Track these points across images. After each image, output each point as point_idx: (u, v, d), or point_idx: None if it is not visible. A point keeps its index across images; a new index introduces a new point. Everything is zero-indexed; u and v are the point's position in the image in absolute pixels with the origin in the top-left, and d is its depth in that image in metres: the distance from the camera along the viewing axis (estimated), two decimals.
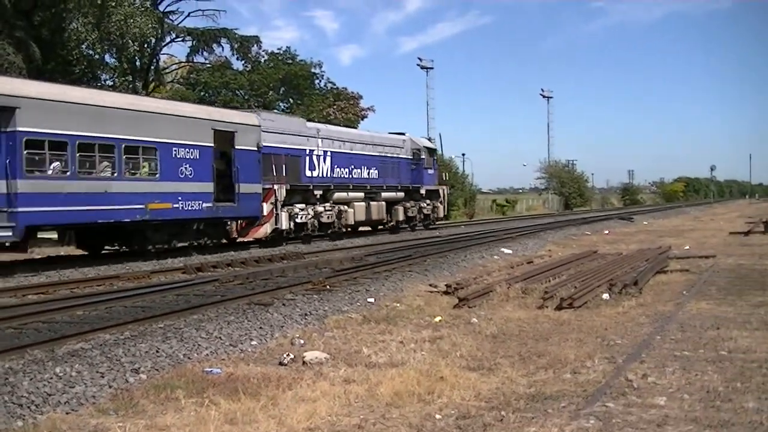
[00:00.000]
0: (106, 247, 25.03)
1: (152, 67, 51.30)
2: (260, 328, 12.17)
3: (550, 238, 33.15)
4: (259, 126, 28.54)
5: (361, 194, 35.96)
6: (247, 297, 14.56)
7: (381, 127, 54.51)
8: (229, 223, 28.16)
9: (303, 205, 31.25)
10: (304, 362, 9.95)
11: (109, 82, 45.80)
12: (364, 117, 64.67)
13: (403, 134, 41.38)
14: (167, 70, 56.80)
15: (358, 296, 15.43)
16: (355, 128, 47.26)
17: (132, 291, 15.70)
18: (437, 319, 13.35)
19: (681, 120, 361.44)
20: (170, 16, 50.75)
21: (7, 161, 19.26)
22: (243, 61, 58.47)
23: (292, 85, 61.44)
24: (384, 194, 38.07)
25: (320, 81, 64.52)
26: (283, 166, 29.80)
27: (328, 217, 32.71)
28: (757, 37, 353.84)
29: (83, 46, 41.50)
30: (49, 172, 20.54)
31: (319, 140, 33.03)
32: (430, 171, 43.21)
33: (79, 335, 10.82)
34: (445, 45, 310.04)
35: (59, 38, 39.26)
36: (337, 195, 33.75)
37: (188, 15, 51.62)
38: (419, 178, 41.50)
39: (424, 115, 75.40)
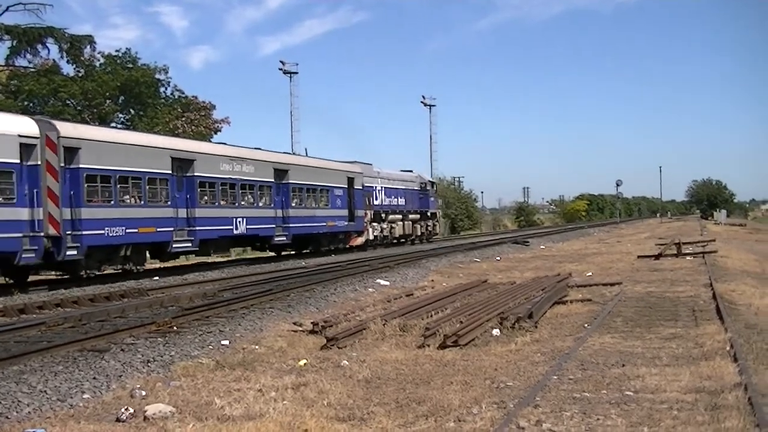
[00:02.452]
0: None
1: None
2: (94, 378, 11.87)
3: (434, 266, 33.57)
4: (362, 173, 50.37)
5: (400, 216, 57.39)
6: (78, 342, 14.16)
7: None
8: (342, 235, 48.63)
9: (375, 224, 52.65)
10: (145, 417, 9.74)
11: None
12: (217, 130, 64.05)
13: (411, 171, 62.92)
14: None
15: (210, 338, 15.27)
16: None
17: None
18: (302, 362, 13.33)
19: (582, 130, 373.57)
20: None
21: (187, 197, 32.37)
22: (74, 65, 57.08)
23: (133, 93, 60.21)
24: (410, 216, 59.51)
25: (166, 89, 63.57)
26: (367, 198, 51.28)
27: (388, 231, 55.03)
28: (669, 36, 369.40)
29: None
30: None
31: (378, 179, 54.35)
32: (432, 199, 65.90)
33: None
34: (314, 45, 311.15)
35: None
36: (391, 217, 55.44)
37: (7, 9, 50.07)
38: (426, 204, 63.55)
39: (288, 127, 75.73)
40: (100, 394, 11.27)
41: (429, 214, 64.27)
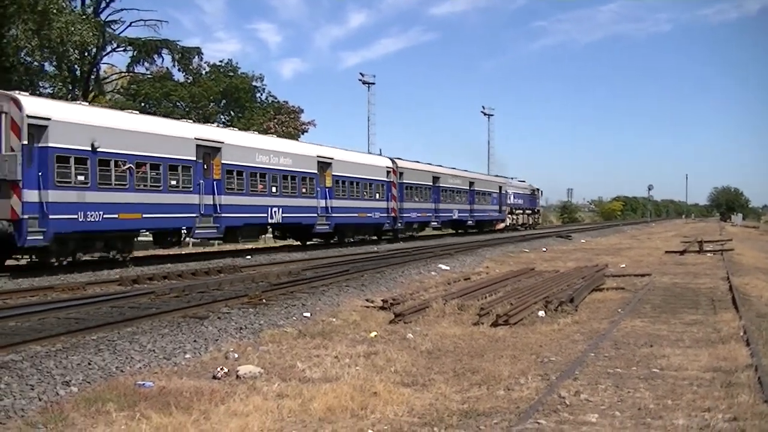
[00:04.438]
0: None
1: (92, 77, 50.54)
2: (194, 341, 12.04)
3: (488, 255, 33.35)
4: (506, 183, 67.22)
5: (521, 211, 74.14)
6: (182, 310, 14.38)
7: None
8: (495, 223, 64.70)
9: (510, 215, 68.82)
10: (237, 376, 9.86)
11: (48, 90, 44.94)
12: (304, 131, 64.69)
13: (524, 181, 79.34)
14: (107, 80, 56.06)
15: (294, 310, 15.35)
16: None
17: (66, 302, 15.35)
18: (373, 334, 13.35)
19: (620, 140, 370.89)
20: (112, 25, 50.19)
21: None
22: (184, 73, 58.08)
23: (233, 98, 61.07)
24: (526, 211, 76.55)
25: (261, 94, 64.35)
26: (512, 199, 69.82)
27: (515, 221, 71.56)
28: (696, 61, 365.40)
29: (22, 54, 40.65)
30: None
31: (510, 187, 69.85)
32: (537, 200, 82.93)
33: (9, 347, 10.55)
34: (388, 61, 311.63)
35: None
36: (516, 211, 72.45)
37: (130, 25, 51.16)
38: (534, 203, 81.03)
39: (365, 131, 76.10)
40: (200, 354, 11.43)
41: (536, 210, 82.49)
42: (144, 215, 24.98)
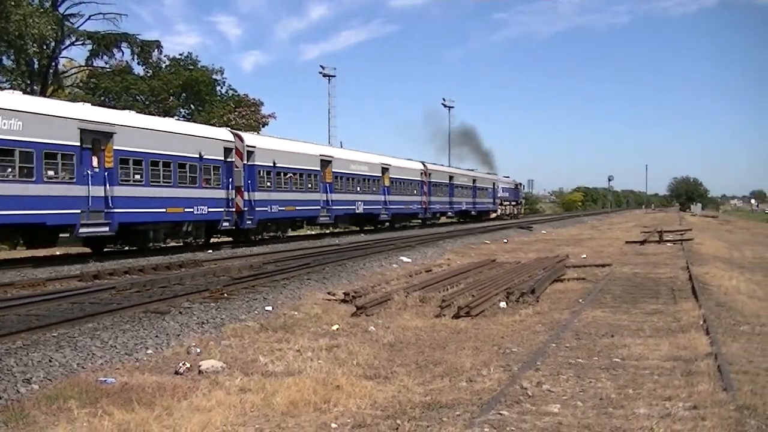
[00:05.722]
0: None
1: (51, 71, 49.76)
2: (156, 336, 11.95)
3: (449, 246, 33.46)
4: (498, 180, 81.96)
5: (508, 203, 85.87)
6: (143, 305, 14.26)
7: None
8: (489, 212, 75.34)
9: (500, 206, 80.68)
10: (199, 371, 9.82)
11: (6, 85, 44.14)
12: (265, 124, 64.13)
13: (509, 177, 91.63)
14: (66, 74, 55.19)
15: (255, 304, 15.30)
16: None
17: (26, 299, 15.10)
18: (335, 327, 13.36)
19: (580, 131, 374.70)
20: (70, 19, 49.39)
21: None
22: (144, 66, 57.33)
23: (194, 91, 60.38)
24: (512, 202, 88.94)
25: (222, 87, 63.70)
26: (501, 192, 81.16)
27: (504, 211, 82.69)
28: (654, 53, 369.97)
29: None
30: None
31: (499, 182, 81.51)
32: (520, 192, 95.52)
33: None
34: (350, 53, 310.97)
35: None
36: (504, 203, 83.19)
37: (89, 18, 50.26)
38: (517, 196, 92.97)
39: (326, 123, 75.82)
40: (161, 350, 11.35)
41: (519, 202, 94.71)
42: None
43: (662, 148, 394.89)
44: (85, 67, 55.91)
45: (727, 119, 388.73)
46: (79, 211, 23.48)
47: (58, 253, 24.86)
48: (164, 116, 40.89)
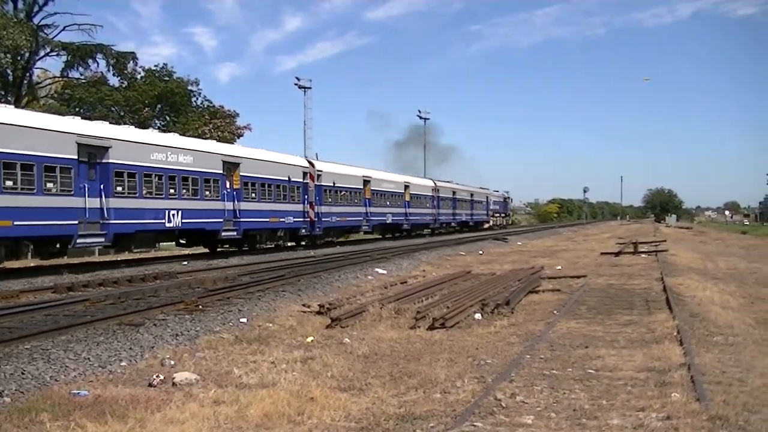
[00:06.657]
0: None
1: (25, 81, 49.44)
2: (130, 348, 11.89)
3: (425, 258, 33.48)
4: (490, 194, 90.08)
5: (497, 214, 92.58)
6: (117, 317, 14.16)
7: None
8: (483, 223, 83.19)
9: (492, 218, 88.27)
10: (173, 383, 9.77)
11: None
12: (240, 135, 64.14)
13: (498, 191, 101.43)
14: (41, 85, 54.86)
15: (230, 316, 15.25)
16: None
17: None
18: (309, 339, 13.34)
19: (555, 142, 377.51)
20: (45, 30, 49.15)
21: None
22: (119, 77, 57.13)
23: (169, 102, 60.21)
24: (501, 214, 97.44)
25: (197, 99, 63.53)
26: (492, 205, 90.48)
27: (494, 222, 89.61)
28: (629, 65, 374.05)
29: None
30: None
31: (491, 196, 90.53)
32: (508, 204, 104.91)
33: None
34: (325, 65, 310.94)
35: None
36: (495, 214, 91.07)
37: (63, 29, 50.13)
38: (506, 208, 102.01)
39: (302, 135, 75.44)
40: (135, 362, 11.29)
41: (507, 213, 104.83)
42: None
43: (637, 160, 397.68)
44: (60, 78, 55.62)
45: (701, 131, 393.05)
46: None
47: (32, 264, 24.61)
48: (141, 128, 40.62)
